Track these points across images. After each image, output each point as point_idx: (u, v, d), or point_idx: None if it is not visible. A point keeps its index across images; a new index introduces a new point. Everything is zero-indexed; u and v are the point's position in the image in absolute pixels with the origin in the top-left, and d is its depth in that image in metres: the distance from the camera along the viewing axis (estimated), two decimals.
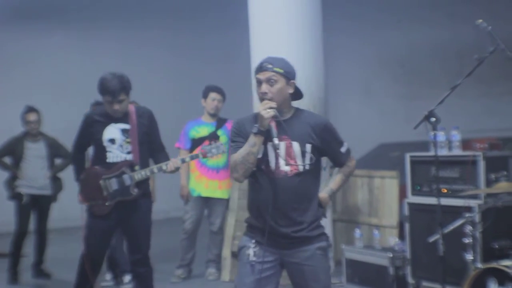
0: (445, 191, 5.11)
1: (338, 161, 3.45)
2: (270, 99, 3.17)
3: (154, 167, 4.71)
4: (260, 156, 3.21)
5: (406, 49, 10.58)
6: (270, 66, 3.20)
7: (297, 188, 3.23)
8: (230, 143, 3.37)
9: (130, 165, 4.66)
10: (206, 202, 6.51)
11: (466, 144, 5.23)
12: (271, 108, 3.13)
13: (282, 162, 3.22)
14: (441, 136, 5.10)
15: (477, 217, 4.67)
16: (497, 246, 4.58)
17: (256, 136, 3.15)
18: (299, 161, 3.23)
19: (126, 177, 4.63)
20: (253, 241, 3.29)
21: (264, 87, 3.19)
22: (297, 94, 3.33)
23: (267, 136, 3.18)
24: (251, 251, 3.26)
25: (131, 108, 4.75)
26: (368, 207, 6.22)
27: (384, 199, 6.06)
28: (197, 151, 6.38)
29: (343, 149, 3.40)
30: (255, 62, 6.59)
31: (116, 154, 4.68)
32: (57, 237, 5.19)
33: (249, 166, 3.20)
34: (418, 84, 10.35)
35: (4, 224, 8.41)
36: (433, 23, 10.05)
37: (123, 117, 4.69)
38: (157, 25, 11.44)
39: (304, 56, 5.95)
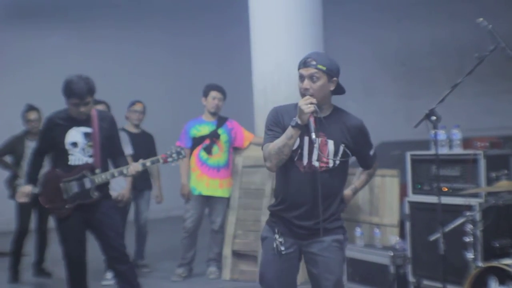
0: (446, 189, 5.09)
1: (366, 163, 3.57)
2: (311, 95, 3.21)
3: (115, 171, 4.73)
4: (294, 147, 3.26)
5: (406, 48, 10.56)
6: (314, 62, 3.25)
7: (325, 184, 3.28)
8: (266, 131, 3.39)
9: (91, 169, 4.67)
10: (207, 200, 6.51)
11: (466, 142, 5.21)
12: (311, 103, 3.16)
13: (314, 157, 3.27)
14: (441, 134, 5.10)
15: (477, 216, 4.65)
16: (497, 245, 4.59)
17: (294, 129, 3.19)
18: (330, 159, 3.29)
19: (86, 180, 4.64)
20: (276, 230, 3.36)
21: (306, 83, 3.25)
22: (339, 90, 3.37)
23: (304, 130, 3.22)
24: (277, 241, 3.34)
25: (93, 112, 4.75)
26: (368, 205, 6.20)
27: (385, 198, 6.05)
28: (197, 150, 6.42)
29: (371, 152, 3.51)
30: (255, 62, 6.62)
31: (78, 157, 4.68)
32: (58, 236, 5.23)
33: (283, 158, 3.25)
34: (418, 83, 10.32)
35: (4, 223, 8.42)
36: (433, 22, 10.03)
37: (85, 121, 4.70)
38: (157, 25, 11.44)
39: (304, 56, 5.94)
